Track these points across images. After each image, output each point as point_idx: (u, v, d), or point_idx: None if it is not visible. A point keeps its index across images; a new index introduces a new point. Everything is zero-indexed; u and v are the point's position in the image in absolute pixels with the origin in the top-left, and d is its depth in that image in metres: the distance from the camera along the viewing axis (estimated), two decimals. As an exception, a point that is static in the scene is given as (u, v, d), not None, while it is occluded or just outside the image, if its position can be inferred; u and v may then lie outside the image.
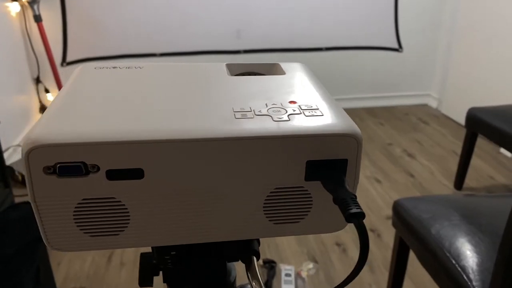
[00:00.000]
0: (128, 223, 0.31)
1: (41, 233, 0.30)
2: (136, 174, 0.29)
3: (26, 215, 1.14)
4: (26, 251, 1.07)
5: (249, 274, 0.36)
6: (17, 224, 1.10)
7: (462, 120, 2.78)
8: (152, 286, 0.42)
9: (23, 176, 2.03)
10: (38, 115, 2.70)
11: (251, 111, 0.32)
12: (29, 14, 2.44)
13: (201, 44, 2.73)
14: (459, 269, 1.00)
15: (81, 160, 0.28)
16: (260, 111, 0.32)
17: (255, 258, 0.37)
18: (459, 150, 2.45)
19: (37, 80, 2.65)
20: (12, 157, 2.26)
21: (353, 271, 0.27)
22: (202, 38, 2.72)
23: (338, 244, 1.76)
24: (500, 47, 2.43)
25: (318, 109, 0.32)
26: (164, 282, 0.43)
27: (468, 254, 1.03)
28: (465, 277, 0.98)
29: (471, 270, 0.99)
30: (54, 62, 2.48)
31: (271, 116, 0.31)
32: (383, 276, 1.58)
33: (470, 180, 2.14)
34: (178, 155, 0.28)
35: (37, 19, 2.38)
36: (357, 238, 1.79)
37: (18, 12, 2.44)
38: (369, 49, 2.88)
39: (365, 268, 1.62)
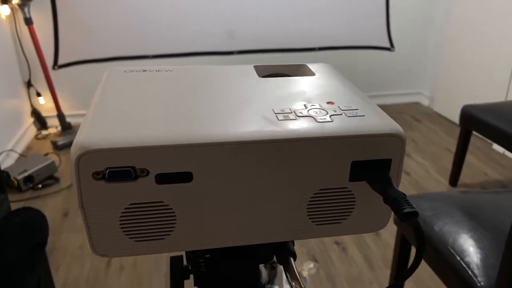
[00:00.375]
0: (174, 227, 0.30)
1: (87, 239, 0.30)
2: (185, 177, 0.28)
3: (27, 220, 1.12)
4: (28, 257, 1.05)
5: (288, 275, 0.36)
6: (18, 230, 1.08)
7: (454, 117, 2.82)
8: (183, 289, 0.42)
9: (18, 181, 2.00)
10: (30, 119, 2.66)
11: (291, 112, 0.32)
12: (20, 17, 2.41)
13: (194, 45, 2.73)
14: (463, 265, 1.01)
15: (131, 164, 0.27)
16: (301, 113, 0.32)
17: (292, 259, 0.37)
18: (452, 147, 2.48)
19: (29, 84, 2.62)
20: (5, 162, 2.23)
21: (410, 267, 0.27)
22: (195, 40, 2.71)
23: (337, 243, 1.77)
24: (489, 45, 2.47)
25: (357, 109, 0.33)
26: (195, 285, 0.43)
27: (472, 250, 1.05)
28: (470, 273, 0.99)
29: (475, 266, 1.01)
30: (46, 65, 2.46)
31: (313, 118, 0.31)
32: (383, 273, 1.59)
33: (464, 176, 2.17)
34: (226, 158, 0.28)
35: (28, 22, 2.35)
36: (356, 237, 1.80)
37: (8, 15, 2.41)
38: (361, 48, 2.90)
39: (365, 266, 1.63)
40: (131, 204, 0.29)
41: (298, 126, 0.30)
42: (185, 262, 0.43)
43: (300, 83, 0.38)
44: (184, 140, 0.28)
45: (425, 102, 3.14)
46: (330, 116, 0.31)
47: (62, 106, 2.60)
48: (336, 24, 2.80)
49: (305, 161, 0.30)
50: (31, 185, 2.06)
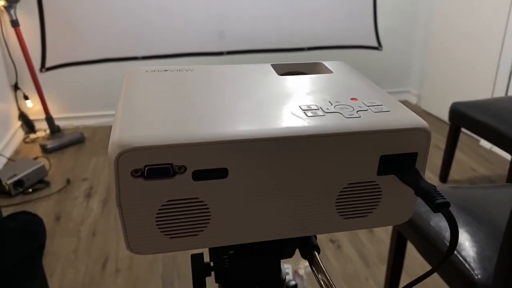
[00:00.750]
0: (208, 223, 0.31)
1: (123, 237, 0.30)
2: (221, 173, 0.29)
3: (24, 224, 1.11)
4: (27, 261, 1.04)
5: (314, 269, 0.36)
6: (16, 235, 1.07)
7: (441, 115, 2.86)
8: (205, 287, 0.42)
9: (9, 186, 1.97)
10: (17, 123, 2.63)
11: (318, 108, 0.33)
12: (6, 19, 2.38)
13: (183, 46, 2.72)
14: (461, 258, 1.03)
15: (169, 161, 0.28)
16: (328, 109, 0.33)
17: (316, 253, 0.38)
18: (440, 144, 2.53)
19: (15, 87, 2.58)
20: (-6, 167, 2.19)
21: (445, 255, 0.28)
22: (184, 40, 2.71)
23: (332, 241, 1.78)
24: (474, 43, 2.52)
25: (382, 105, 0.34)
26: (216, 282, 0.43)
27: (468, 244, 1.07)
28: (467, 266, 1.02)
29: (472, 259, 1.03)
30: (33, 68, 2.42)
31: (341, 114, 0.32)
32: (379, 269, 1.62)
33: (453, 172, 2.21)
34: (260, 153, 0.29)
35: (14, 24, 2.31)
36: (350, 234, 1.82)
37: (-6, 17, 2.37)
38: (350, 48, 2.93)
39: (361, 263, 1.65)
40: (168, 201, 0.29)
41: (328, 122, 0.30)
42: (205, 260, 0.43)
43: (320, 81, 0.39)
44: (220, 137, 0.28)
45: (413, 100, 3.19)
46: (357, 112, 0.32)
47: (50, 109, 2.57)
48: (325, 24, 2.83)
49: (336, 155, 0.30)
50: (21, 190, 2.03)
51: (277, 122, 0.30)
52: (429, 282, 1.52)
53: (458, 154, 2.39)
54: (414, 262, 1.62)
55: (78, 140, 2.58)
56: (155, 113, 0.31)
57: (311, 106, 0.33)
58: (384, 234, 1.81)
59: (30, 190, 2.06)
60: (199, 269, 0.42)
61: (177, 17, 2.65)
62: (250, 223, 0.32)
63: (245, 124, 0.30)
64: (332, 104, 0.33)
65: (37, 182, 2.12)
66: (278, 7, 2.73)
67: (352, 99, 0.34)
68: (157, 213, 0.30)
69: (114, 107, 2.82)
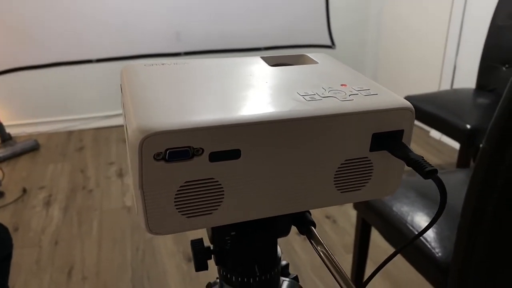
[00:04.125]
0: (222, 201, 0.33)
1: (142, 220, 0.32)
2: (234, 154, 0.32)
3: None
4: (-5, 271, 1.00)
5: (313, 242, 0.40)
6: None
7: (392, 109, 3.01)
8: (207, 269, 0.44)
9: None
10: (-36, 132, 2.49)
11: (315, 94, 0.36)
12: None
13: (140, 47, 2.69)
14: (423, 240, 1.11)
15: (188, 144, 0.30)
16: (323, 94, 0.36)
17: (313, 228, 0.41)
18: (393, 137, 2.66)
19: (-39, 94, 2.45)
20: None
21: (434, 217, 0.32)
22: (140, 42, 2.68)
23: (298, 234, 1.84)
24: (421, 41, 2.67)
25: (369, 89, 0.37)
26: (216, 264, 0.46)
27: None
28: (428, 246, 1.09)
29: (432, 239, 1.11)
30: (-20, 74, 2.31)
31: (336, 98, 0.35)
32: (345, 258, 1.68)
33: (407, 163, 2.34)
34: (270, 135, 0.32)
35: (-42, 28, 2.20)
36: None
37: None
38: (305, 47, 3.01)
39: (327, 253, 1.71)
40: (186, 182, 0.31)
41: (327, 105, 0.34)
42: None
43: (310, 70, 0.42)
44: (235, 120, 0.31)
45: (365, 96, 3.32)
46: (349, 96, 0.36)
47: (0, 116, 2.46)
48: (280, 24, 2.89)
49: (336, 134, 0.34)
50: (-27, 202, 1.94)
51: (281, 106, 0.33)
52: (390, 263, 1.61)
53: (411, 145, 2.53)
54: (378, 250, 1.70)
55: (32, 148, 2.48)
56: (166, 101, 0.33)
57: (308, 92, 0.36)
58: (348, 224, 1.89)
59: (-16, 201, 1.97)
60: (200, 252, 0.44)
61: (132, 19, 2.62)
62: (258, 201, 0.35)
63: (254, 109, 0.33)
64: (326, 90, 0.37)
65: (-10, 193, 2.03)
66: (233, 8, 2.76)
67: (342, 85, 0.38)
68: (176, 194, 0.32)
69: (69, 112, 2.74)
